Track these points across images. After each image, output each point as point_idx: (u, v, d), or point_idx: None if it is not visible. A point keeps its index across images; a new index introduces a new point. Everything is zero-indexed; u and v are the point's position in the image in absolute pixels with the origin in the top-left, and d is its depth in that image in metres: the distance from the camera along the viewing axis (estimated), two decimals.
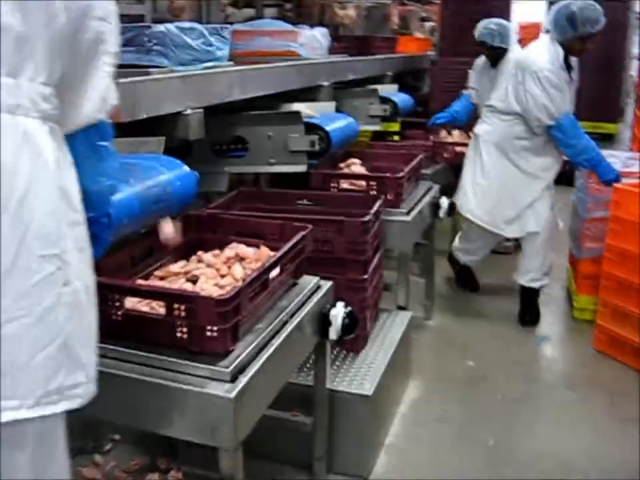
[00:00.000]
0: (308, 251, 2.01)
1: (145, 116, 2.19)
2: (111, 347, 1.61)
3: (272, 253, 1.95)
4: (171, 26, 2.32)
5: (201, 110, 2.45)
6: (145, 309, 1.66)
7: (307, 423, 2.21)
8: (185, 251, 2.09)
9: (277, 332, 1.74)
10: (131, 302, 1.65)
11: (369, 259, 2.43)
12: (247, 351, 1.60)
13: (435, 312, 3.60)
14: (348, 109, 3.82)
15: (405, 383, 2.87)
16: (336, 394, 2.28)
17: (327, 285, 2.08)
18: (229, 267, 1.97)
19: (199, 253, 2.05)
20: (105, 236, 1.35)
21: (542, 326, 3.54)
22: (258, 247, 2.05)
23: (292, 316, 1.84)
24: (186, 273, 1.92)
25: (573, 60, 3.32)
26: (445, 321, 3.56)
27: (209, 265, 1.96)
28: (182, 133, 2.42)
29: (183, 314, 1.55)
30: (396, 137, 4.62)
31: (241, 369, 1.56)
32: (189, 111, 2.40)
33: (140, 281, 1.83)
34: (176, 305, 1.55)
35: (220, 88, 2.63)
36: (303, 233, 1.96)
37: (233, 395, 1.47)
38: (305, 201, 2.79)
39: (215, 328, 1.53)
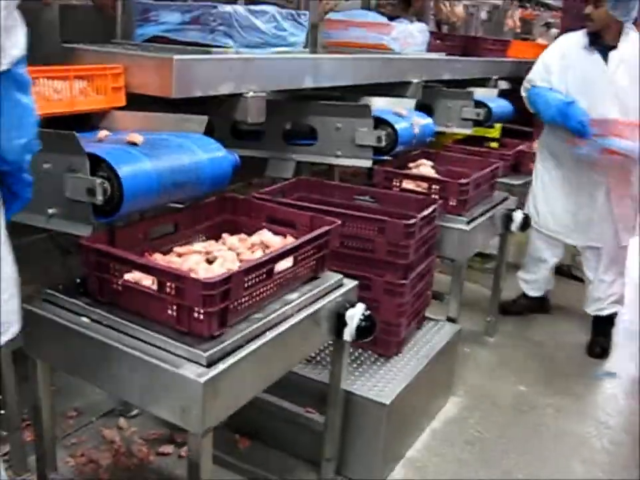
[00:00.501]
0: (333, 246, 1.95)
1: (198, 94, 2.20)
2: (107, 314, 1.63)
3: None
4: (239, 7, 2.31)
5: (264, 94, 2.44)
6: (148, 282, 1.67)
7: (320, 421, 2.16)
8: (216, 231, 2.09)
9: (277, 324, 1.70)
10: (134, 275, 1.66)
11: (411, 263, 2.33)
12: (235, 338, 1.57)
13: (499, 329, 3.43)
14: (440, 109, 3.71)
15: (442, 398, 2.76)
16: (353, 397, 2.21)
17: (350, 284, 2.01)
18: (252, 252, 1.95)
19: (224, 235, 2.04)
20: (25, 194, 1.33)
21: (611, 360, 3.30)
22: (285, 236, 2.01)
23: (299, 310, 1.79)
24: (207, 253, 1.91)
25: None
26: (505, 340, 3.39)
27: (230, 248, 1.94)
28: (240, 115, 2.42)
29: (173, 292, 1.54)
30: (494, 144, 4.42)
31: (223, 356, 1.53)
32: (250, 94, 2.38)
33: (147, 256, 1.84)
34: (168, 283, 1.55)
35: (288, 74, 2.61)
36: (327, 227, 1.90)
37: (203, 379, 1.45)
38: (364, 197, 2.72)
39: (201, 310, 1.51)
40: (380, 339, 2.38)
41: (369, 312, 1.94)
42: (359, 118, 2.73)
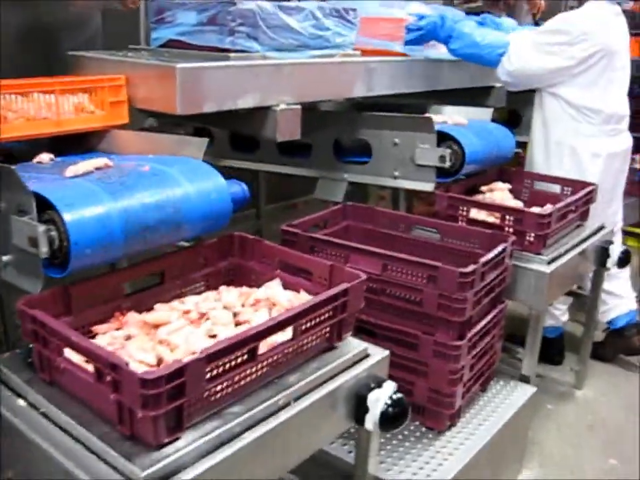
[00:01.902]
0: (355, 308, 1.49)
1: (211, 109, 1.80)
2: (44, 398, 1.26)
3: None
4: (265, 3, 1.88)
5: (298, 106, 2.00)
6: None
7: None
8: (218, 279, 1.68)
9: (264, 419, 1.27)
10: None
11: (469, 320, 1.84)
12: (195, 445, 1.16)
13: (589, 380, 2.85)
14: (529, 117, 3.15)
15: (511, 471, 2.24)
16: None
17: (379, 354, 1.55)
18: (256, 311, 1.53)
19: (222, 287, 1.63)
20: None
21: None
22: (299, 289, 1.58)
23: (302, 396, 1.36)
24: (200, 314, 1.50)
25: None
26: (597, 395, 2.80)
27: (226, 307, 1.53)
28: (269, 131, 2.00)
29: (111, 384, 1.14)
30: None
31: (171, 473, 1.12)
32: (280, 107, 1.96)
33: (115, 318, 1.45)
34: (106, 370, 1.15)
35: (332, 81, 2.16)
36: (346, 285, 1.44)
37: None
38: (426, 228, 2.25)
39: (140, 413, 1.10)
40: (429, 410, 1.90)
41: (399, 395, 1.47)
42: (419, 132, 2.25)
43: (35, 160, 1.68)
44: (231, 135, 2.66)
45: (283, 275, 1.64)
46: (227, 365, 1.21)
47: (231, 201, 1.56)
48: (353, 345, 1.53)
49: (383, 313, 1.88)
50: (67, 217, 1.27)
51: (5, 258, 1.38)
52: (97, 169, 1.50)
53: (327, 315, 1.42)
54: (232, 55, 1.87)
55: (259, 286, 1.64)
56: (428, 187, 2.29)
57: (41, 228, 1.28)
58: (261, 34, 1.90)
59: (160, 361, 1.32)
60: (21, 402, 1.29)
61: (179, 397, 1.12)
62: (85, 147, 1.88)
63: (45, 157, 1.69)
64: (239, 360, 1.23)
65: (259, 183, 3.42)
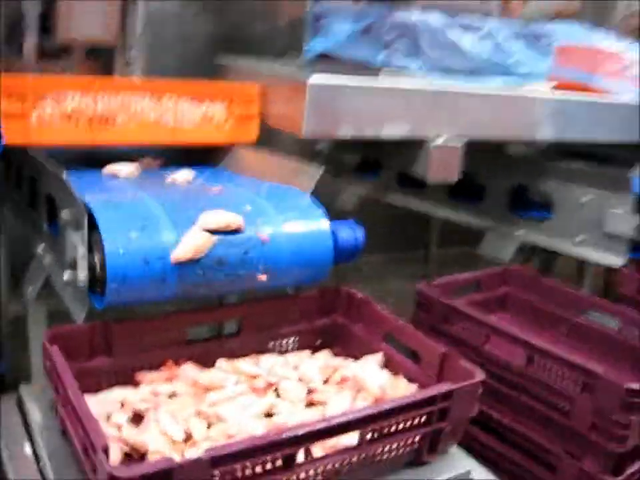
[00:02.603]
0: (461, 417, 1.11)
1: (345, 135, 1.51)
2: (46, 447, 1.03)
3: (411, 392, 1.14)
4: (432, 17, 1.55)
5: (458, 144, 1.65)
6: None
7: None
8: (313, 338, 1.37)
9: None
10: None
11: (631, 452, 1.35)
12: None
13: None
14: None
15: None
16: None
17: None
18: (341, 389, 1.20)
19: (302, 354, 1.31)
20: None
21: None
22: (398, 371, 1.22)
23: None
24: (268, 383, 1.21)
25: None
26: None
27: (302, 379, 1.21)
28: (419, 168, 1.66)
29: (90, 465, 0.88)
30: None
31: None
32: (437, 142, 1.62)
33: (167, 367, 1.19)
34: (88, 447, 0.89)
35: (511, 119, 1.77)
36: (451, 387, 1.06)
37: None
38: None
39: None
40: None
41: None
42: (613, 192, 1.78)
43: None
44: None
45: (388, 349, 1.29)
46: (247, 472, 0.89)
47: (332, 249, 1.24)
48: (454, 460, 1.14)
49: (518, 414, 1.45)
50: (109, 245, 1.04)
51: (65, 276, 1.17)
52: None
53: (416, 422, 1.05)
54: (382, 73, 1.56)
55: (360, 355, 1.31)
56: (616, 261, 1.80)
57: (81, 251, 1.06)
58: (423, 52, 1.57)
59: (189, 438, 1.04)
60: (28, 449, 1.08)
61: None
62: (208, 161, 1.68)
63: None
64: (266, 467, 0.91)
65: (429, 222, 3.05)
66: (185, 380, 1.17)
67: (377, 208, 2.46)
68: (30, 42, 1.82)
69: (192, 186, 1.36)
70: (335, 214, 2.59)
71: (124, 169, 1.42)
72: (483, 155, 1.97)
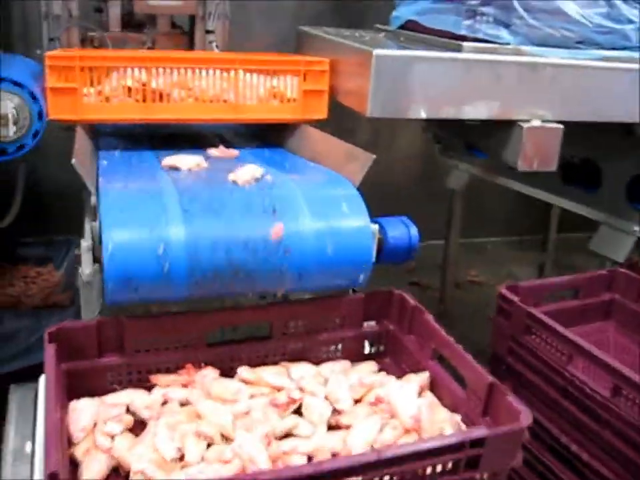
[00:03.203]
0: (499, 466, 0.91)
1: (419, 115, 1.32)
2: None
3: (441, 430, 0.96)
4: None
5: (559, 126, 1.40)
6: None
7: None
8: (352, 347, 1.21)
9: None
10: None
11: None
12: None
13: None
14: None
15: None
16: None
17: None
18: (371, 414, 1.04)
19: (336, 364, 1.15)
20: None
21: None
22: (443, 398, 1.04)
23: None
24: (286, 397, 1.07)
25: None
26: None
27: (328, 398, 1.06)
28: (509, 155, 1.44)
29: None
30: None
31: None
32: (532, 123, 1.38)
33: (184, 371, 1.08)
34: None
35: (627, 97, 1.48)
36: (484, 432, 0.87)
37: None
38: None
39: None
40: None
41: None
42: None
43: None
44: None
45: (436, 368, 1.11)
46: None
47: (371, 249, 1.07)
48: None
49: (600, 451, 1.21)
50: (107, 242, 0.94)
51: (87, 271, 1.08)
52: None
53: (439, 469, 0.87)
54: (466, 44, 1.34)
55: (408, 368, 1.15)
56: None
57: (84, 244, 0.97)
58: (515, 19, 1.33)
59: (182, 458, 0.93)
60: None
61: None
62: (269, 140, 1.54)
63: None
64: None
65: (548, 204, 2.74)
66: (201, 386, 1.06)
67: (492, 187, 2.23)
68: (114, 12, 1.77)
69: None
70: (443, 193, 2.41)
71: (185, 162, 1.25)
72: (602, 137, 1.69)
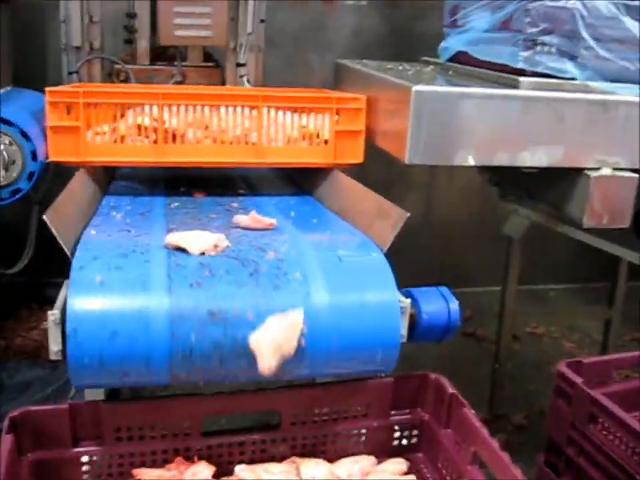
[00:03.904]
0: None
1: (471, 163, 1.11)
2: None
3: None
4: (598, 2, 1.10)
5: (633, 175, 1.17)
6: None
7: None
8: (381, 441, 1.00)
9: None
10: None
11: None
12: None
13: None
14: None
15: None
16: None
17: None
18: None
19: (357, 461, 0.94)
20: None
21: None
22: None
23: None
24: None
25: None
26: None
27: None
28: (573, 208, 1.21)
29: None
30: None
31: None
32: (601, 171, 1.16)
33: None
34: None
35: None
36: None
37: None
38: None
39: None
40: None
41: None
42: None
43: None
44: None
45: (476, 475, 0.89)
46: None
47: (398, 329, 0.87)
48: None
49: None
50: (71, 313, 0.77)
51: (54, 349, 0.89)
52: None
53: None
54: (524, 79, 1.13)
55: (446, 469, 0.93)
56: None
57: (51, 318, 0.80)
58: (582, 50, 1.12)
59: None
60: None
61: None
62: (299, 184, 1.37)
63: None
64: None
65: None
66: None
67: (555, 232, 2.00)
68: (142, 44, 1.64)
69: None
70: (499, 240, 2.17)
71: (196, 244, 0.90)
72: None
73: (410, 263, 2.81)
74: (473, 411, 0.91)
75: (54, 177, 1.44)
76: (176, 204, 1.19)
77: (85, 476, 0.88)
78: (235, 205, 1.21)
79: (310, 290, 0.84)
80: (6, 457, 0.77)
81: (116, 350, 0.77)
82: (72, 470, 0.88)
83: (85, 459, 0.88)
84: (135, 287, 0.80)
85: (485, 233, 2.67)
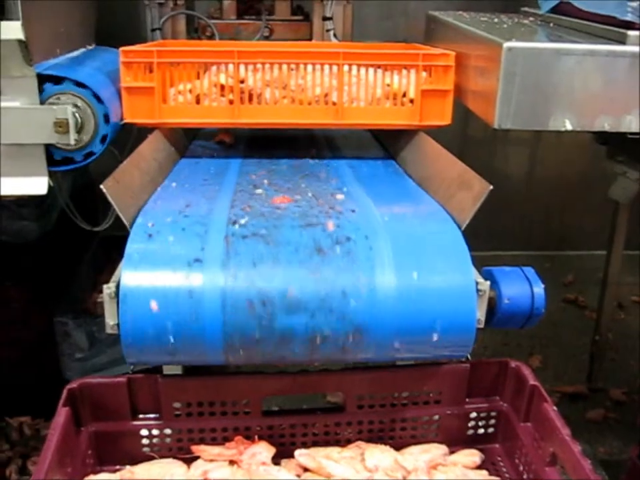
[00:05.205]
0: None
1: (563, 127, 0.99)
2: None
3: None
4: None
5: None
6: None
7: None
8: (454, 428, 0.92)
9: None
10: None
11: None
12: None
13: None
14: None
15: None
16: None
17: None
18: None
19: (425, 450, 0.86)
20: None
21: None
22: None
23: None
24: None
25: None
26: None
27: None
28: None
29: None
30: None
31: None
32: None
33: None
34: None
35: None
36: None
37: None
38: None
39: None
40: None
41: None
42: None
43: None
44: None
45: (554, 477, 0.79)
46: None
47: (474, 315, 0.78)
48: None
49: None
50: (125, 287, 0.73)
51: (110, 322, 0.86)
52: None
53: None
54: (633, 33, 0.97)
55: (522, 466, 0.85)
56: None
57: (106, 291, 0.76)
58: None
59: None
60: None
61: None
62: (384, 145, 1.27)
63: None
64: None
65: None
66: (247, 471, 0.83)
67: None
68: None
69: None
70: (604, 204, 1.99)
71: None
72: None
73: (513, 220, 2.66)
74: (555, 408, 0.81)
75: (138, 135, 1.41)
76: (251, 168, 1.13)
77: (145, 449, 0.86)
78: (310, 170, 1.14)
79: (375, 269, 0.76)
80: (59, 430, 0.75)
81: (168, 327, 0.73)
82: (132, 442, 0.85)
83: (144, 432, 0.85)
84: (190, 262, 0.74)
85: (592, 193, 2.48)
